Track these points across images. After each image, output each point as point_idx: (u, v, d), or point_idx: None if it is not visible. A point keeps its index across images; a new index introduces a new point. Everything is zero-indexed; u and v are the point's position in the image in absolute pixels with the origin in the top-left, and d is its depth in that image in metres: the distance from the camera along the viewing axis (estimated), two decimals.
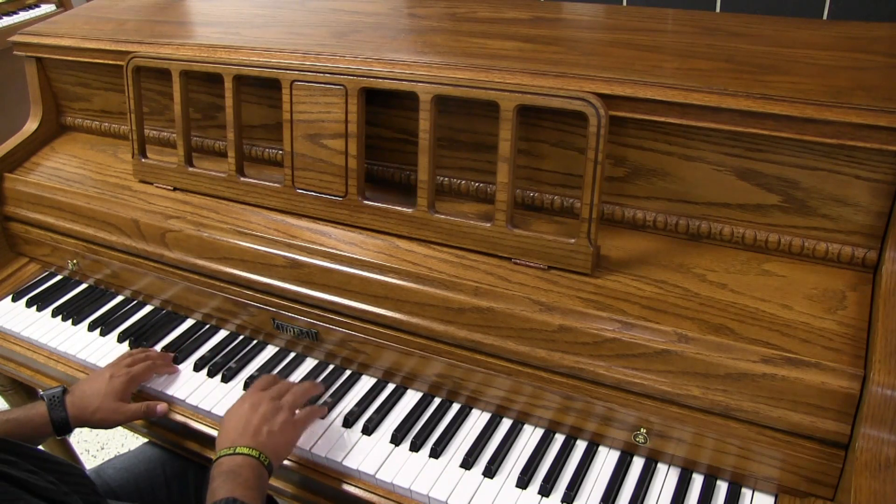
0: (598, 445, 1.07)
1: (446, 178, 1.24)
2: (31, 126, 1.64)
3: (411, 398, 1.18)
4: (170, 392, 1.24)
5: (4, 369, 1.49)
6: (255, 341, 1.33)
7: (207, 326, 1.38)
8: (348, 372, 1.25)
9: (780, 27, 1.24)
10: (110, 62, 1.47)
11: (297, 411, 1.10)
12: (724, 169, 1.03)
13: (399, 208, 1.19)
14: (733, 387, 0.94)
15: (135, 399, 1.23)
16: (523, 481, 1.02)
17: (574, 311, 1.02)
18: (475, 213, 1.19)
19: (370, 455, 1.08)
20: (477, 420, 1.13)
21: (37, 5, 3.51)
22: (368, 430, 1.12)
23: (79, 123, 1.66)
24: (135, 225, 1.38)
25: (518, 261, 1.12)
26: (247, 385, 1.23)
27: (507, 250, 1.12)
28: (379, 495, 1.05)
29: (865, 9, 1.81)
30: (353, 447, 1.10)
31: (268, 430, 1.03)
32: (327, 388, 1.21)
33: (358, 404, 1.17)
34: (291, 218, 1.29)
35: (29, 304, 1.48)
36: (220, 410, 1.19)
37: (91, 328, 1.41)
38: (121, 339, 1.37)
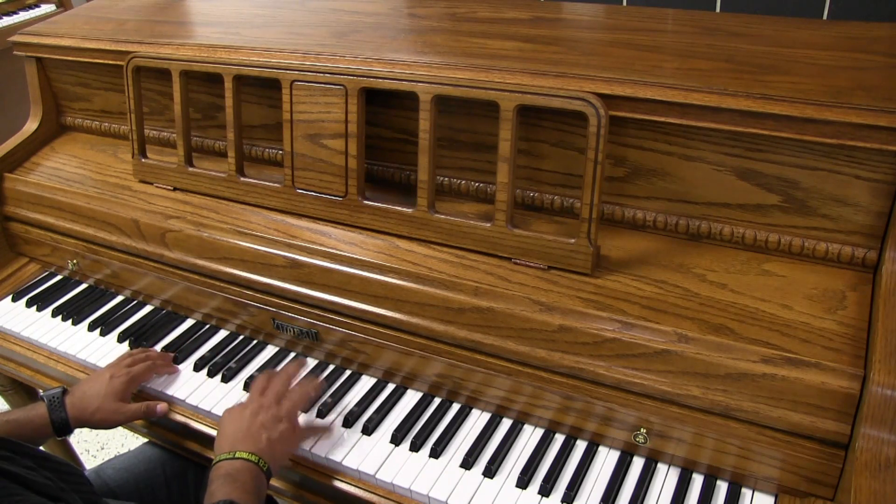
0: (598, 445, 1.07)
1: (446, 178, 1.24)
2: (31, 126, 1.64)
3: (411, 398, 1.18)
4: (170, 392, 1.24)
5: (4, 369, 1.49)
6: (255, 341, 1.33)
7: (207, 326, 1.38)
8: (348, 372, 1.25)
9: (780, 27, 1.24)
10: (110, 62, 1.47)
11: (299, 420, 1.10)
12: (724, 169, 1.03)
13: (399, 208, 1.19)
14: (733, 387, 0.94)
15: (135, 399, 1.23)
16: (523, 481, 1.02)
17: (574, 311, 1.02)
18: (475, 213, 1.19)
19: (370, 455, 1.08)
20: (477, 420, 1.13)
21: (37, 5, 3.50)
22: (368, 430, 1.12)
23: (79, 123, 1.66)
24: (135, 225, 1.38)
25: (518, 261, 1.12)
26: (247, 385, 1.23)
27: (507, 250, 1.12)
28: (379, 495, 1.05)
29: (865, 9, 1.81)
30: (353, 447, 1.10)
31: (267, 437, 1.03)
32: (327, 389, 1.21)
33: (358, 404, 1.17)
34: (291, 218, 1.29)
35: (29, 304, 1.48)
36: (220, 410, 1.18)
37: (91, 328, 1.41)
38: (121, 339, 1.37)
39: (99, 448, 2.33)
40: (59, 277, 1.56)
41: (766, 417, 0.92)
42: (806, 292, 0.99)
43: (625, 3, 2.09)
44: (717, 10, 2.00)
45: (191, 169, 1.38)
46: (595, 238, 1.05)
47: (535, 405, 1.09)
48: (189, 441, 1.25)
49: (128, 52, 1.39)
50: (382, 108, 1.23)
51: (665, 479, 1.02)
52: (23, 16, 3.39)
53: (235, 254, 1.27)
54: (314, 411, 1.16)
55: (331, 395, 1.20)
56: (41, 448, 1.11)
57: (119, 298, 1.48)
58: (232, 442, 1.02)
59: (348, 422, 1.14)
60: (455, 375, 1.13)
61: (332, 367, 1.26)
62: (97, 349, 1.35)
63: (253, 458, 0.99)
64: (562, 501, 0.99)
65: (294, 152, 1.25)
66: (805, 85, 0.99)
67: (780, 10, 1.89)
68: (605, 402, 1.02)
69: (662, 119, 1.01)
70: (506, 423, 1.12)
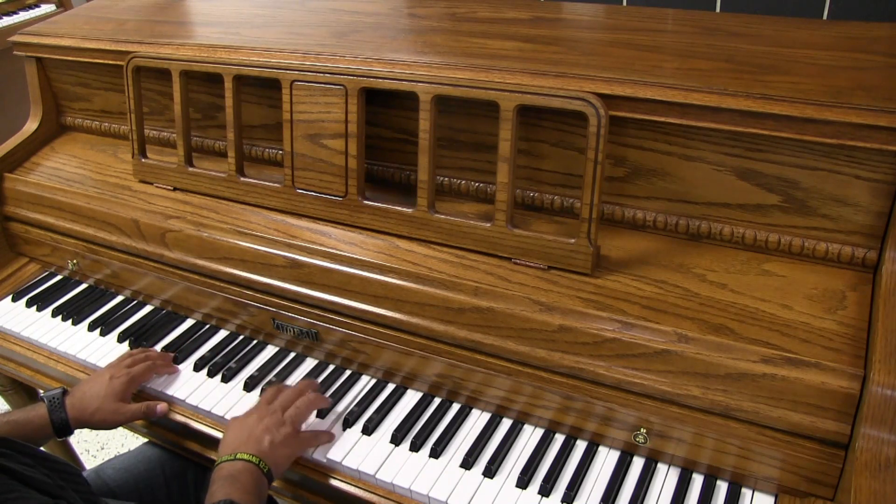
0: (598, 445, 1.07)
1: (446, 178, 1.24)
2: (31, 126, 1.64)
3: (411, 398, 1.18)
4: (170, 392, 1.24)
5: (4, 369, 1.49)
6: (255, 341, 1.33)
7: (207, 326, 1.38)
8: (348, 372, 1.25)
9: (780, 27, 1.24)
10: (110, 62, 1.47)
11: (302, 427, 1.10)
12: (724, 169, 1.03)
13: (399, 208, 1.19)
14: (733, 387, 0.94)
15: (135, 399, 1.23)
16: (523, 481, 1.02)
17: (574, 311, 1.02)
18: (475, 213, 1.19)
19: (370, 455, 1.08)
20: (477, 420, 1.13)
21: (37, 5, 3.50)
22: (368, 430, 1.12)
23: (79, 123, 1.66)
24: (135, 225, 1.38)
25: (518, 261, 1.12)
26: (247, 385, 1.23)
27: (507, 250, 1.12)
28: (379, 495, 1.05)
29: (865, 9, 1.81)
30: (353, 447, 1.10)
31: (270, 440, 1.04)
32: (327, 388, 1.21)
33: (358, 404, 1.17)
34: (291, 218, 1.29)
35: (29, 304, 1.48)
36: (220, 410, 1.19)
37: (91, 328, 1.41)
38: (121, 339, 1.37)
39: (99, 448, 2.33)
40: (59, 277, 1.56)
41: (766, 417, 0.92)
42: (806, 292, 0.99)
43: (625, 3, 2.09)
44: (717, 10, 2.00)
45: (191, 169, 1.38)
46: (595, 238, 1.05)
47: (535, 405, 1.09)
48: (189, 441, 1.25)
49: (128, 52, 1.40)
50: (382, 108, 1.23)
51: (665, 479, 1.02)
52: (23, 16, 3.39)
53: (235, 254, 1.27)
54: (314, 412, 1.16)
55: (331, 395, 1.19)
56: (41, 449, 1.11)
57: (119, 298, 1.48)
58: (235, 444, 1.03)
59: (348, 422, 1.14)
60: (455, 375, 1.13)
61: (332, 367, 1.26)
62: (97, 349, 1.35)
63: (254, 459, 1.00)
64: (562, 501, 0.99)
65: (294, 152, 1.25)
66: (805, 85, 0.99)
67: (780, 10, 1.89)
68: (605, 402, 1.02)
69: (662, 119, 1.01)
70: (506, 423, 1.12)
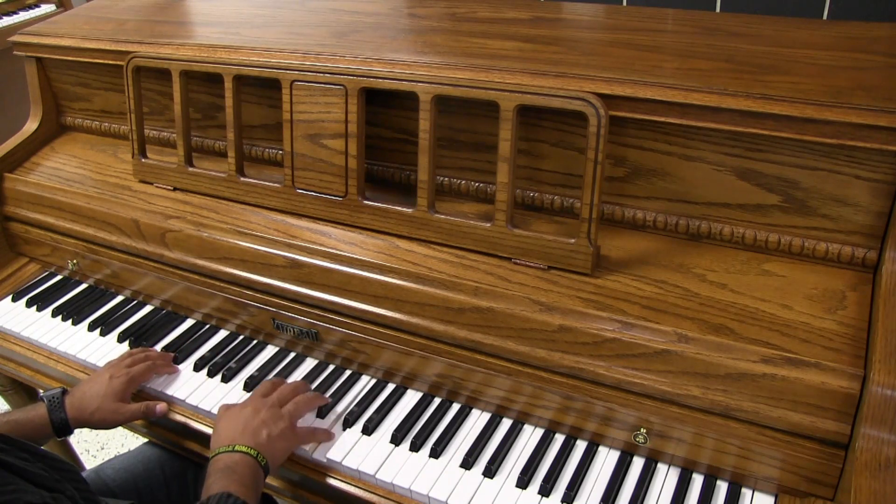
0: (598, 445, 1.07)
1: (446, 178, 1.24)
2: (31, 126, 1.64)
3: (411, 398, 1.18)
4: (170, 392, 1.24)
5: (4, 369, 1.49)
6: (255, 341, 1.33)
7: (207, 326, 1.38)
8: (348, 372, 1.25)
9: (780, 27, 1.24)
10: (110, 62, 1.47)
11: (298, 423, 1.10)
12: (724, 169, 1.03)
13: (399, 208, 1.19)
14: (733, 387, 0.93)
15: (135, 399, 1.23)
16: (523, 481, 1.02)
17: (574, 311, 1.02)
18: (475, 213, 1.19)
19: (370, 455, 1.08)
20: (477, 420, 1.13)
21: (37, 5, 3.50)
22: (368, 430, 1.12)
23: (79, 123, 1.66)
24: (135, 225, 1.38)
25: (518, 261, 1.12)
26: (247, 385, 1.23)
27: (507, 250, 1.12)
28: (379, 495, 1.05)
29: (865, 9, 1.81)
30: (353, 447, 1.10)
31: (267, 434, 1.03)
32: (327, 388, 1.21)
33: (358, 404, 1.17)
34: (291, 218, 1.29)
35: (29, 304, 1.48)
36: None
37: (91, 328, 1.41)
38: (121, 339, 1.37)
39: (99, 448, 2.33)
40: (59, 277, 1.56)
41: (766, 417, 0.92)
42: (806, 292, 0.99)
43: (625, 3, 2.09)
44: (717, 10, 2.00)
45: (191, 169, 1.38)
46: (595, 238, 1.05)
47: (535, 405, 1.09)
48: (189, 441, 1.25)
49: (128, 52, 1.40)
50: (382, 108, 1.23)
51: (665, 479, 1.02)
52: (23, 16, 3.39)
53: (235, 254, 1.27)
54: (314, 412, 1.16)
55: (331, 395, 1.19)
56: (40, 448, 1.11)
57: (119, 298, 1.48)
58: (231, 436, 1.03)
59: (348, 422, 1.14)
60: (455, 375, 1.13)
61: (332, 367, 1.26)
62: (97, 349, 1.35)
63: (252, 451, 1.00)
64: (562, 501, 0.99)
65: (294, 152, 1.25)
66: (805, 85, 0.99)
67: (780, 10, 1.89)
68: (605, 402, 1.02)
69: (662, 119, 1.01)
70: (506, 423, 1.12)
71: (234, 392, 1.23)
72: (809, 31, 1.22)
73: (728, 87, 0.99)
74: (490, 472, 1.04)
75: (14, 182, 1.55)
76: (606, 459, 1.05)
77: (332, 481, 1.08)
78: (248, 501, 0.92)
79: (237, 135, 1.31)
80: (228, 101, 1.29)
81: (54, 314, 1.45)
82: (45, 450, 0.96)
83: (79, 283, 1.54)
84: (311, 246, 1.22)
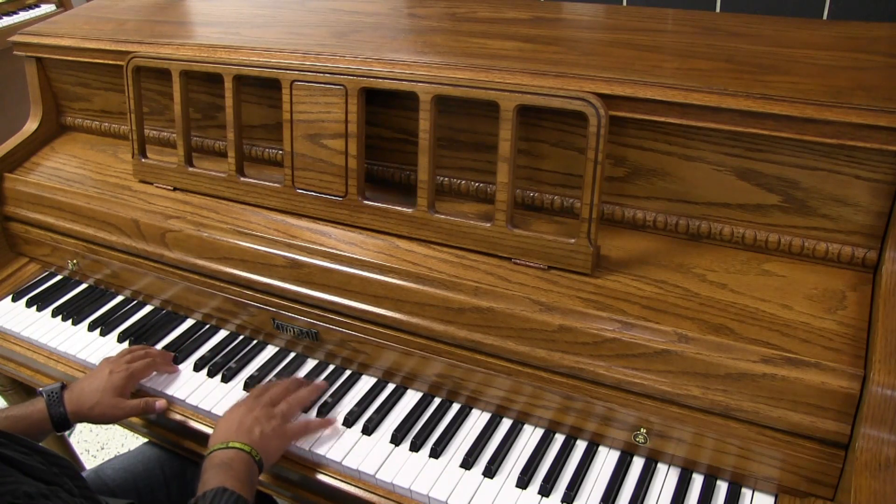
0: (598, 445, 1.07)
1: (446, 178, 1.24)
2: (31, 126, 1.64)
3: (411, 398, 1.18)
4: (170, 392, 1.24)
5: (4, 369, 1.49)
6: (255, 341, 1.33)
7: (207, 326, 1.38)
8: (348, 372, 1.25)
9: (780, 27, 1.24)
10: (110, 62, 1.47)
11: (291, 419, 1.11)
12: (724, 169, 1.03)
13: (399, 208, 1.19)
14: (733, 387, 0.93)
15: (134, 398, 1.23)
16: (523, 481, 1.02)
17: (574, 311, 1.02)
18: (475, 213, 1.19)
19: (370, 455, 1.08)
20: (477, 420, 1.13)
21: (37, 5, 3.50)
22: (368, 430, 1.12)
23: (79, 123, 1.66)
24: (135, 225, 1.38)
25: (518, 261, 1.12)
26: (246, 385, 1.23)
27: (507, 250, 1.12)
28: (379, 495, 1.05)
29: (865, 9, 1.81)
30: (353, 447, 1.10)
31: (260, 431, 1.05)
32: (327, 389, 1.21)
33: (358, 404, 1.17)
34: (291, 218, 1.29)
35: (29, 304, 1.48)
36: (220, 410, 1.18)
37: (91, 328, 1.41)
38: (121, 339, 1.37)
39: (99, 448, 2.33)
40: (59, 277, 1.56)
41: (766, 417, 0.92)
42: (806, 292, 0.99)
43: (625, 3, 2.09)
44: (717, 10, 2.00)
45: (191, 169, 1.38)
46: (595, 238, 1.05)
47: (535, 405, 1.09)
48: (188, 441, 1.25)
49: (128, 52, 1.39)
50: (382, 108, 1.23)
51: (665, 479, 1.02)
52: (23, 16, 3.39)
53: (235, 254, 1.27)
54: (314, 411, 1.16)
55: (331, 395, 1.19)
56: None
57: (119, 298, 1.48)
58: (226, 434, 1.04)
59: (348, 422, 1.14)
60: (455, 375, 1.13)
61: (332, 367, 1.26)
62: (97, 349, 1.35)
63: (246, 447, 1.01)
64: (562, 501, 0.99)
65: (294, 152, 1.25)
66: (805, 85, 0.99)
67: (780, 10, 1.89)
68: (605, 402, 1.02)
69: (662, 119, 1.01)
70: (506, 423, 1.12)
71: (234, 392, 1.23)
72: (809, 31, 1.22)
73: (728, 87, 0.99)
74: (490, 472, 1.04)
75: (14, 182, 1.55)
76: (606, 459, 1.05)
77: (332, 481, 1.08)
78: (243, 496, 0.93)
79: (237, 135, 1.31)
80: (228, 101, 1.29)
81: (54, 314, 1.45)
82: (42, 446, 0.96)
83: (79, 283, 1.54)
84: (311, 246, 1.22)
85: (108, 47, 1.45)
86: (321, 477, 1.09)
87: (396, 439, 1.10)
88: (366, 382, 1.22)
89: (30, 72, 1.62)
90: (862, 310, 0.95)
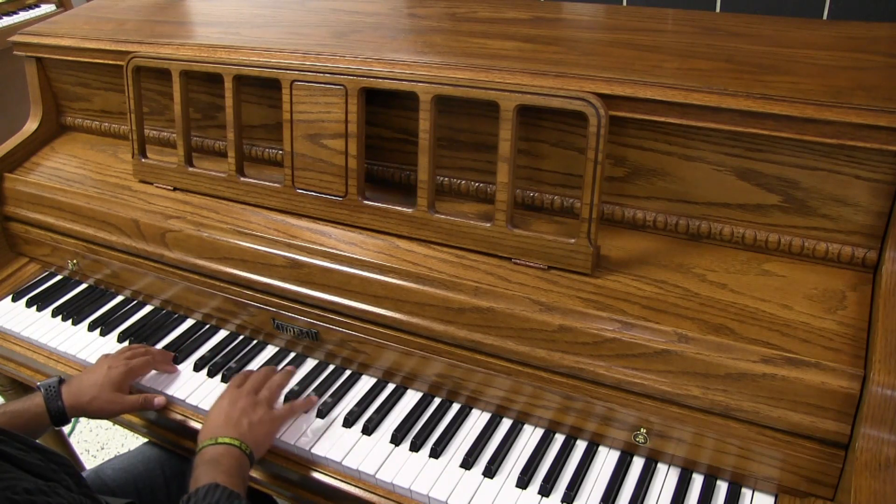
0: (598, 445, 1.07)
1: (446, 178, 1.24)
2: (31, 126, 1.64)
3: (411, 398, 1.18)
4: (170, 392, 1.24)
5: (4, 369, 1.49)
6: (255, 341, 1.33)
7: (207, 326, 1.38)
8: (348, 372, 1.25)
9: (780, 27, 1.24)
10: (110, 62, 1.47)
11: (275, 405, 1.13)
12: (724, 169, 1.03)
13: (399, 208, 1.19)
14: (733, 387, 0.93)
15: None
16: (523, 481, 1.02)
17: (574, 311, 1.02)
18: (475, 213, 1.19)
19: (370, 455, 1.08)
20: (477, 420, 1.13)
21: (37, 5, 3.51)
22: (368, 430, 1.12)
23: (79, 123, 1.66)
24: (135, 225, 1.38)
25: (518, 261, 1.12)
26: None
27: (507, 250, 1.12)
28: (379, 495, 1.05)
29: (865, 9, 1.81)
30: (353, 447, 1.10)
31: (248, 421, 1.06)
32: (327, 388, 1.21)
33: (358, 404, 1.17)
34: (291, 218, 1.29)
35: (29, 304, 1.48)
36: None
37: (91, 328, 1.41)
38: (121, 339, 1.37)
39: (99, 448, 2.33)
40: (59, 277, 1.56)
41: (766, 417, 0.92)
42: (806, 292, 0.99)
43: (625, 3, 2.09)
44: (717, 10, 2.00)
45: (191, 169, 1.38)
46: (595, 238, 1.05)
47: (535, 405, 1.09)
48: (188, 441, 1.25)
49: (128, 52, 1.40)
50: (382, 108, 1.23)
51: (665, 479, 1.02)
52: (23, 16, 3.39)
53: (235, 254, 1.27)
54: (314, 411, 1.16)
55: (331, 395, 1.20)
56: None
57: (119, 298, 1.48)
58: (214, 429, 1.05)
59: (348, 422, 1.14)
60: (455, 375, 1.13)
61: (332, 367, 1.26)
62: (97, 349, 1.35)
63: (235, 442, 1.02)
64: (562, 501, 0.99)
65: (294, 152, 1.25)
66: (805, 85, 0.99)
67: (780, 10, 1.89)
68: (605, 402, 1.02)
69: (662, 119, 1.01)
70: (506, 423, 1.12)
71: None
72: (809, 31, 1.22)
73: (728, 87, 0.99)
74: (490, 472, 1.04)
75: (14, 182, 1.55)
76: (606, 459, 1.05)
77: (331, 481, 1.08)
78: (234, 490, 0.93)
79: (237, 135, 1.31)
80: (228, 101, 1.29)
81: (54, 314, 1.45)
82: (41, 444, 0.96)
83: (79, 283, 1.54)
84: (311, 246, 1.22)
85: (108, 47, 1.45)
86: (321, 477, 1.09)
87: (396, 439, 1.10)
88: (366, 382, 1.22)
89: (30, 72, 1.62)
90: (862, 310, 0.95)
